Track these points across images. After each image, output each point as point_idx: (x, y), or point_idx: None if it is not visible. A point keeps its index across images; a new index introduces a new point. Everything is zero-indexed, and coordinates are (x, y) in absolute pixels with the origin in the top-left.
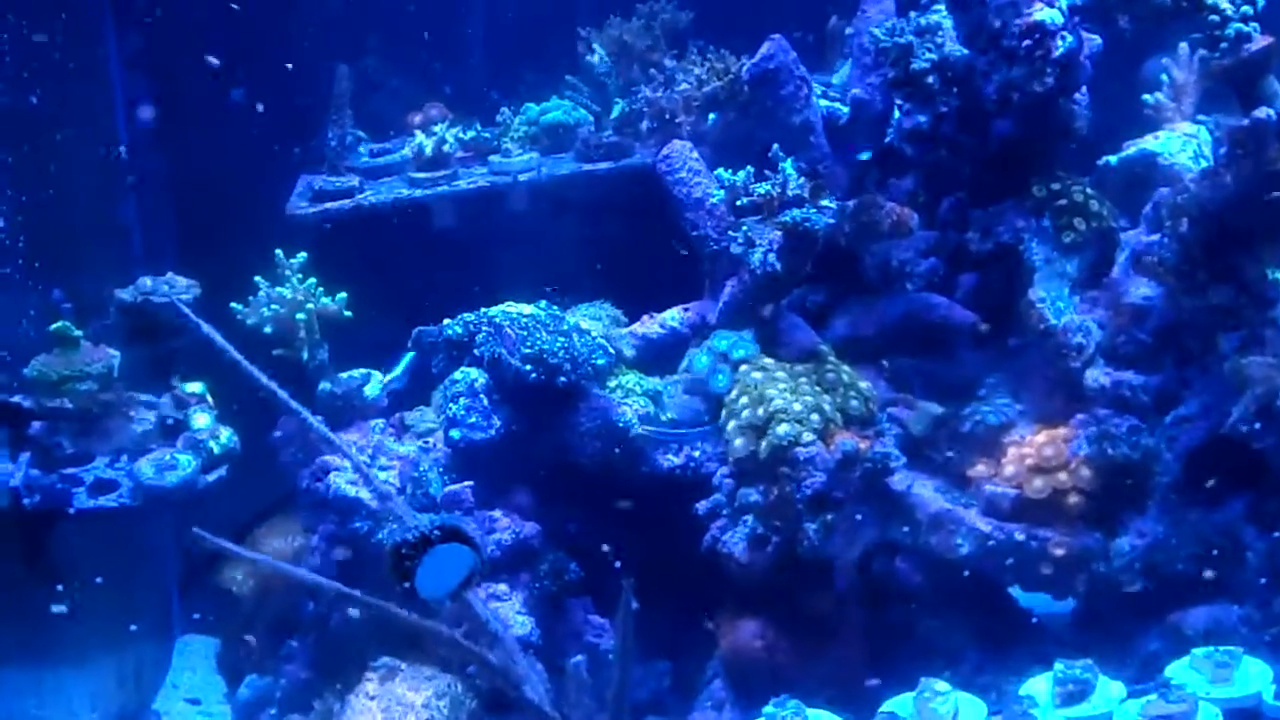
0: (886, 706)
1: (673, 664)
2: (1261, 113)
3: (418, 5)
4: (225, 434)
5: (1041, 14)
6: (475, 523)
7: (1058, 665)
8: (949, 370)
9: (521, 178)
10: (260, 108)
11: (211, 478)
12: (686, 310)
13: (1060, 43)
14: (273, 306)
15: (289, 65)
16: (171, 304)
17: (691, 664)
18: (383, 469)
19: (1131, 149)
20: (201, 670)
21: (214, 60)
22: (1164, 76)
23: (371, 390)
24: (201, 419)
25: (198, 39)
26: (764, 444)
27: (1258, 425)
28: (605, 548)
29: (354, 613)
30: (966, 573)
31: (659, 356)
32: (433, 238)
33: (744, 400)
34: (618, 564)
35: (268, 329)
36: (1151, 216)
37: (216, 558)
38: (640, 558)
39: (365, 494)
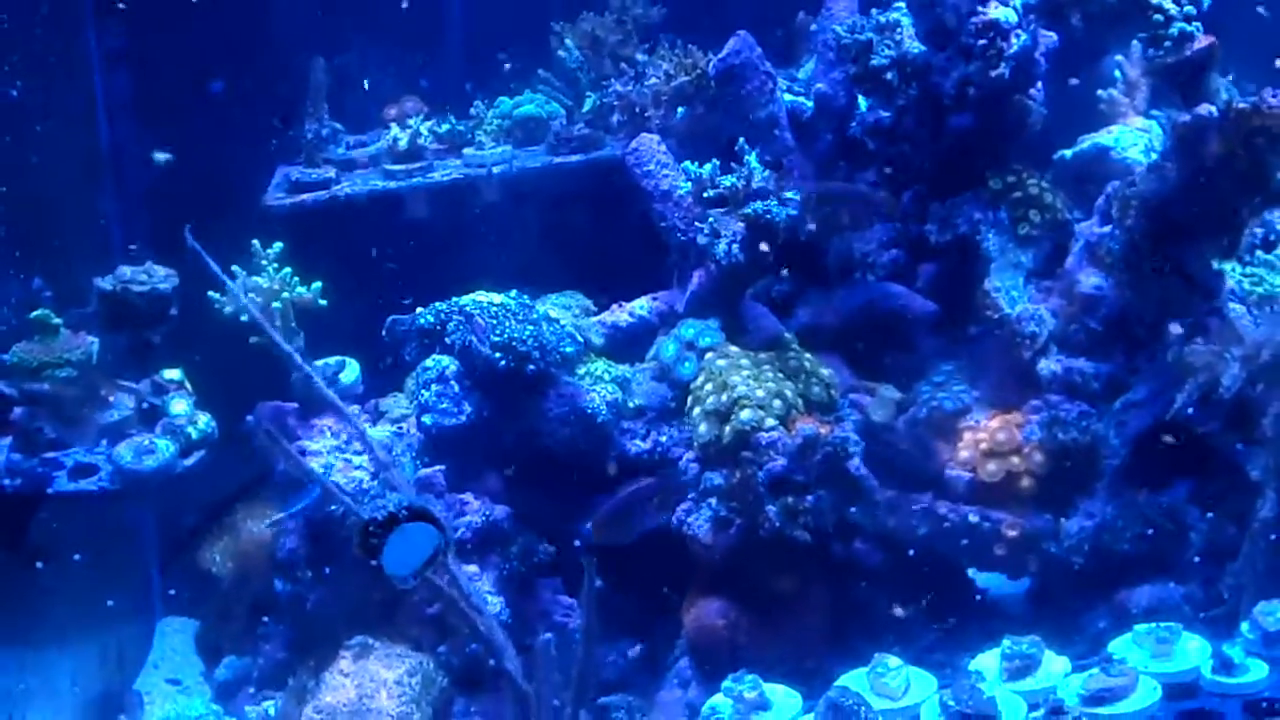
0: (841, 681)
1: (642, 643)
2: (1203, 109)
3: None
4: (203, 419)
5: (996, 12)
6: (445, 505)
7: (1005, 641)
8: (909, 357)
9: (494, 170)
10: (240, 100)
11: (190, 462)
12: (655, 299)
13: (1014, 40)
14: (249, 296)
15: (269, 59)
16: (151, 292)
17: (660, 643)
18: (357, 454)
19: (1086, 143)
20: (183, 650)
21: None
22: (1117, 73)
23: (347, 377)
24: (180, 405)
25: (177, 31)
26: (727, 429)
27: (1199, 411)
28: (576, 542)
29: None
30: (911, 552)
31: (628, 344)
32: (407, 228)
33: (709, 387)
34: (577, 543)
35: (244, 317)
36: (1103, 208)
37: (196, 538)
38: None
39: (340, 478)
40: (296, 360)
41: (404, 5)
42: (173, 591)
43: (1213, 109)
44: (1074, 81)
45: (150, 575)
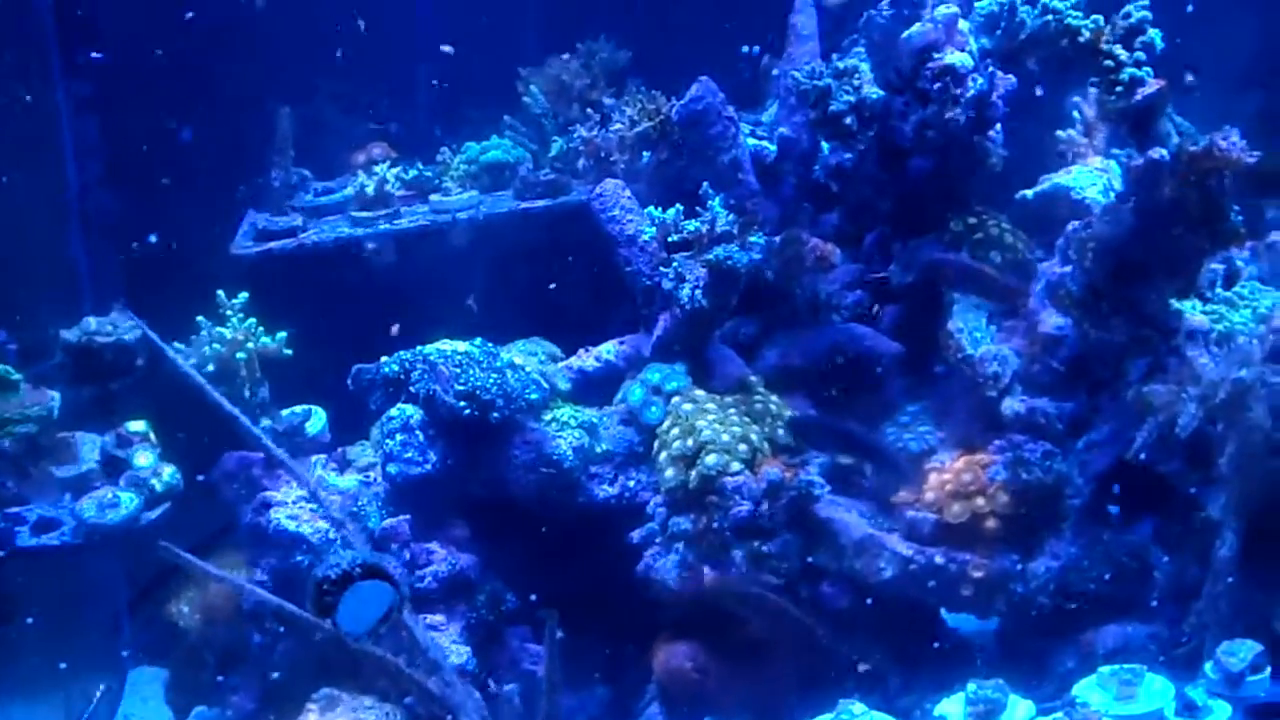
0: None
1: (611, 690)
2: (1155, 152)
3: (363, 46)
4: (168, 471)
5: (952, 58)
6: (410, 555)
7: (970, 685)
8: (875, 398)
9: (461, 216)
10: (207, 149)
11: (154, 515)
12: (621, 344)
13: (971, 83)
14: (214, 345)
15: (235, 107)
16: (117, 343)
17: (630, 689)
18: (317, 504)
19: (1046, 184)
20: (153, 702)
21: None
22: (1075, 114)
23: (313, 427)
24: (144, 457)
25: (144, 79)
26: (693, 474)
27: (1160, 450)
28: (532, 596)
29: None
30: (869, 600)
31: (595, 389)
32: (374, 276)
33: (675, 431)
34: (533, 597)
35: (209, 367)
36: (1063, 248)
37: (163, 588)
38: (578, 587)
39: (306, 529)
40: (244, 423)
41: (362, 29)
42: (125, 653)
43: (1164, 152)
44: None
45: (118, 628)
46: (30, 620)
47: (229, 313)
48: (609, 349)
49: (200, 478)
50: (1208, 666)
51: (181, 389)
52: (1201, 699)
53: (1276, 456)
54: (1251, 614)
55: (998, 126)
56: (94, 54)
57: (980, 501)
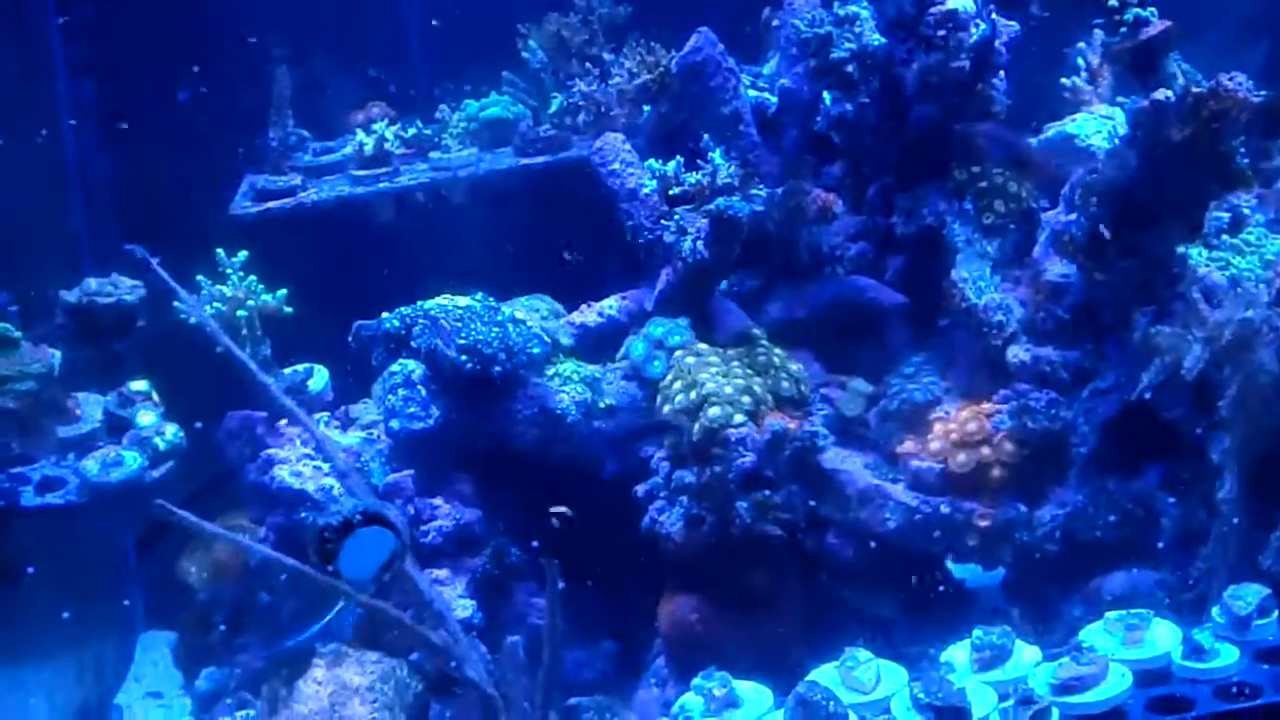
0: (812, 675)
1: (618, 644)
2: (1160, 94)
3: (360, 4)
4: (170, 430)
5: (954, 3)
6: (415, 510)
7: (976, 632)
8: (879, 350)
9: (461, 173)
10: (205, 109)
11: (158, 474)
12: (624, 298)
13: (974, 29)
14: (214, 304)
15: (233, 67)
16: (117, 304)
17: (637, 643)
18: (327, 460)
19: (1050, 131)
20: (163, 664)
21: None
22: (1079, 60)
23: (315, 385)
24: (147, 416)
25: (142, 41)
26: (696, 426)
27: (1166, 396)
28: (534, 543)
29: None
30: (873, 544)
31: (598, 344)
32: (374, 234)
33: (678, 385)
34: (534, 544)
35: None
36: (1068, 196)
37: (167, 547)
38: (583, 541)
39: (310, 485)
40: (253, 369)
41: None
42: (125, 601)
43: (1169, 94)
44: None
45: (126, 589)
46: (36, 579)
47: (229, 271)
48: (611, 304)
49: (198, 424)
50: (1215, 610)
51: (184, 347)
52: (1209, 643)
53: None
54: (1257, 558)
55: (1001, 73)
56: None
57: (986, 451)
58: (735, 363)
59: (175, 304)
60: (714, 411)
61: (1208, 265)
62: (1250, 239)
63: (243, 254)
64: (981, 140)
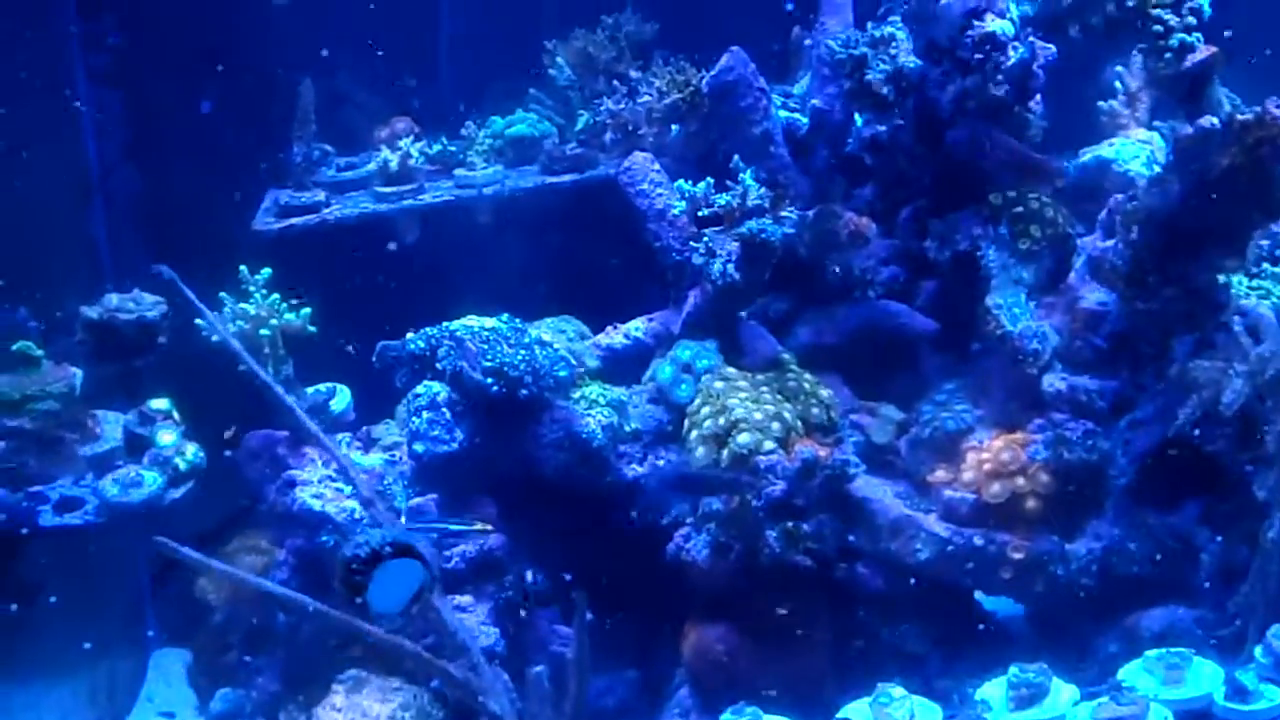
0: (843, 712)
1: (641, 672)
2: (1205, 121)
3: (386, 19)
4: (191, 450)
5: (993, 25)
6: (438, 535)
7: (1012, 669)
8: (910, 377)
9: (486, 191)
10: (228, 123)
11: (178, 494)
12: (651, 321)
13: (1012, 52)
14: (237, 322)
15: (257, 81)
16: (139, 321)
17: (660, 672)
18: (349, 482)
19: (1087, 156)
20: (176, 684)
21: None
22: (1118, 84)
23: (337, 405)
24: (167, 435)
25: (166, 54)
26: (725, 453)
27: (1207, 429)
28: (567, 576)
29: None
30: (913, 580)
31: (623, 367)
32: (398, 252)
33: (706, 410)
34: (567, 576)
35: (234, 344)
36: (1106, 222)
37: (186, 568)
38: (608, 568)
39: (331, 508)
40: (277, 391)
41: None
42: (150, 632)
43: (1215, 120)
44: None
45: (141, 608)
46: (52, 600)
47: (252, 289)
48: (638, 326)
49: (227, 453)
50: (1257, 650)
51: (206, 366)
52: (1252, 683)
53: None
54: None
55: (1038, 97)
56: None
57: (1020, 481)
58: (765, 388)
59: (197, 322)
60: (744, 438)
61: (1248, 295)
62: None
63: (266, 271)
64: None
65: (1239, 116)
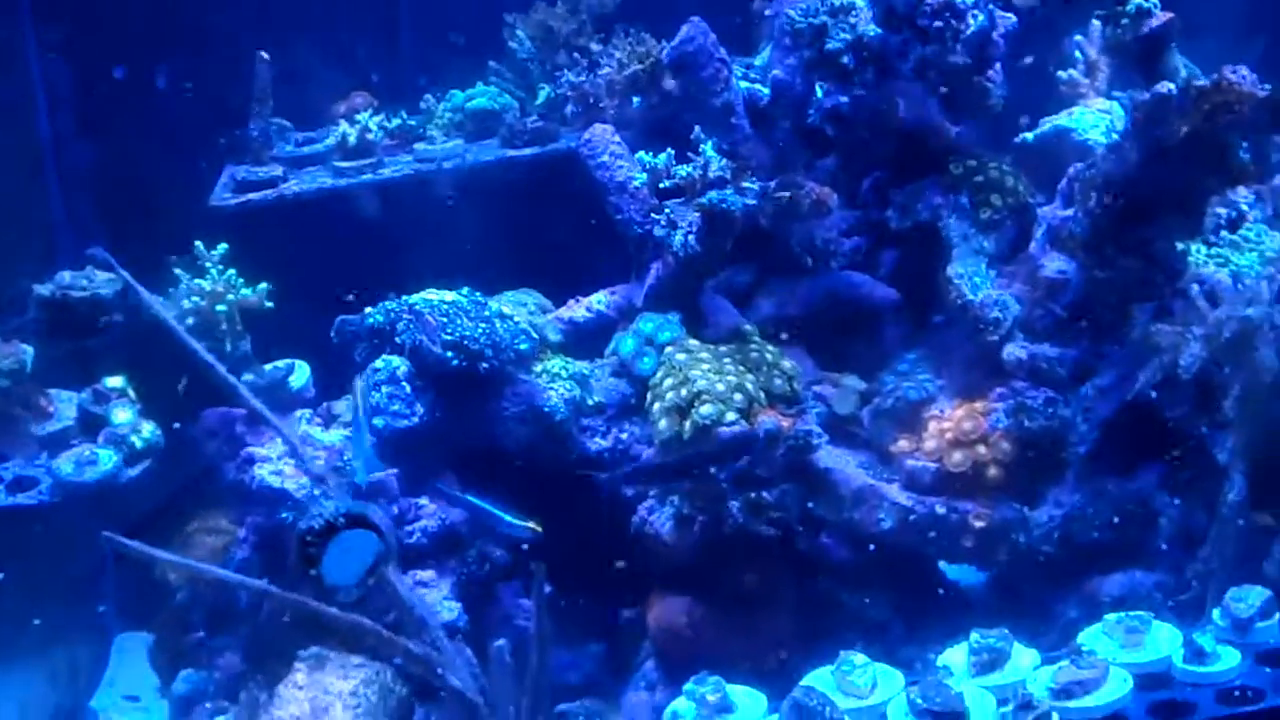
0: (806, 680)
1: (606, 646)
2: (1163, 87)
3: None
4: (147, 428)
5: None
6: (399, 510)
7: (973, 635)
8: (873, 347)
9: (446, 165)
10: (185, 97)
11: (134, 472)
12: (613, 294)
13: (971, 20)
14: (193, 298)
15: (214, 54)
16: (92, 298)
17: (626, 645)
18: (300, 462)
19: (1047, 125)
20: (140, 667)
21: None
22: (1077, 53)
23: (296, 381)
24: (122, 414)
25: (121, 27)
26: (687, 424)
27: (1166, 395)
28: (524, 546)
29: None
30: (872, 547)
31: (587, 340)
32: (358, 227)
33: (668, 382)
34: (524, 546)
35: (189, 320)
36: (1065, 191)
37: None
38: (572, 542)
39: (290, 485)
40: (220, 371)
41: None
42: (101, 607)
43: (1172, 87)
44: (1028, 60)
45: (101, 591)
46: (7, 581)
47: (208, 264)
48: (600, 299)
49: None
50: (1215, 613)
51: (161, 343)
52: (1210, 645)
53: None
54: (1258, 560)
55: (998, 66)
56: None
57: (982, 450)
58: (727, 360)
59: (142, 302)
60: (706, 409)
61: (1207, 263)
62: (1250, 235)
63: (222, 247)
64: None
65: (1196, 83)
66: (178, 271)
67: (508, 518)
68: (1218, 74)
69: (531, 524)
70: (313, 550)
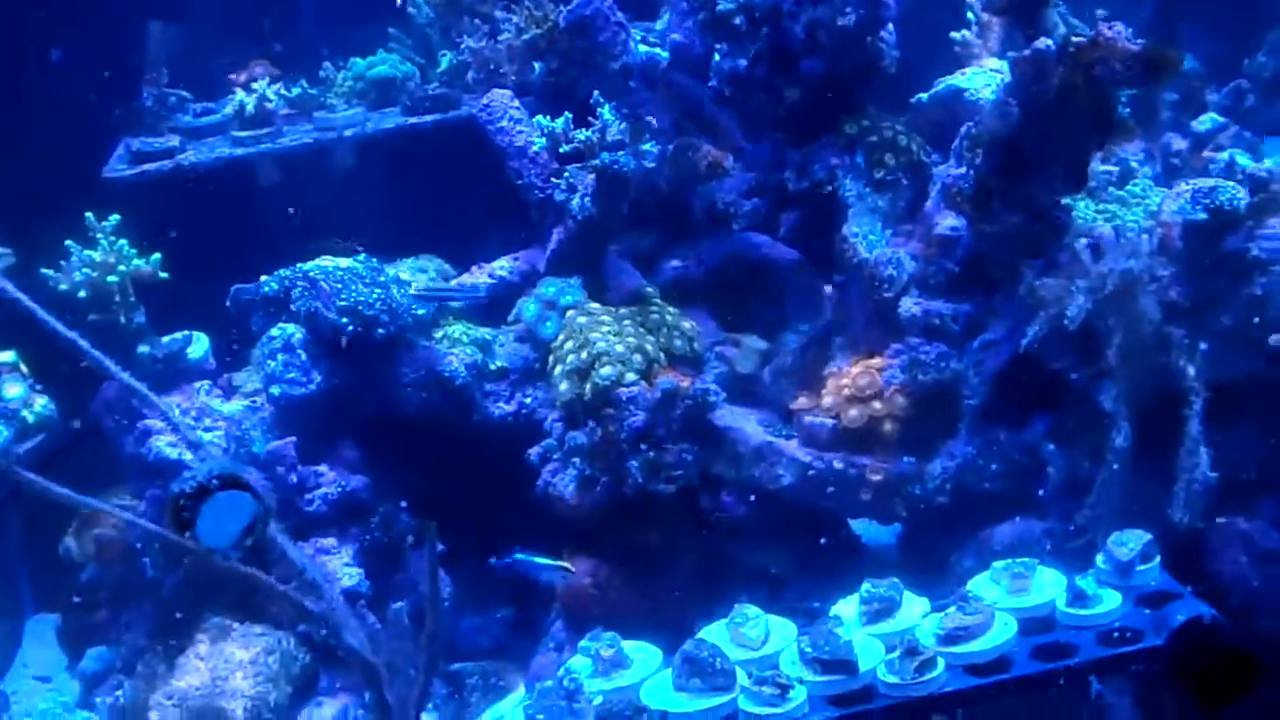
0: (702, 633)
1: (515, 610)
2: (1041, 43)
3: None
4: (40, 402)
5: None
6: (298, 478)
7: (864, 585)
8: (774, 307)
9: (346, 133)
10: (77, 69)
11: (28, 446)
12: (516, 259)
13: None
14: (84, 270)
15: (106, 25)
16: None
17: (534, 608)
18: (207, 430)
19: (941, 85)
20: (51, 648)
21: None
22: (970, 14)
23: (195, 352)
24: (13, 388)
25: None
26: (588, 386)
27: (1052, 346)
28: (403, 503)
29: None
30: (776, 505)
31: (490, 306)
32: (257, 196)
33: (569, 345)
34: (403, 503)
35: (81, 293)
36: (958, 150)
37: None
38: (478, 507)
39: (188, 455)
40: (83, 346)
41: None
42: (21, 595)
43: (1050, 43)
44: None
45: (14, 571)
46: None
47: (99, 236)
48: (503, 265)
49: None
50: (1099, 557)
51: (53, 317)
52: (1091, 588)
53: (1164, 349)
54: (1143, 505)
55: (890, 27)
56: None
57: (877, 405)
58: (628, 322)
59: (44, 271)
60: (605, 370)
61: (1095, 219)
62: (1136, 191)
63: (114, 218)
64: None
65: (1074, 38)
66: (68, 244)
67: (548, 562)
68: (1094, 30)
69: (565, 564)
70: (186, 513)
